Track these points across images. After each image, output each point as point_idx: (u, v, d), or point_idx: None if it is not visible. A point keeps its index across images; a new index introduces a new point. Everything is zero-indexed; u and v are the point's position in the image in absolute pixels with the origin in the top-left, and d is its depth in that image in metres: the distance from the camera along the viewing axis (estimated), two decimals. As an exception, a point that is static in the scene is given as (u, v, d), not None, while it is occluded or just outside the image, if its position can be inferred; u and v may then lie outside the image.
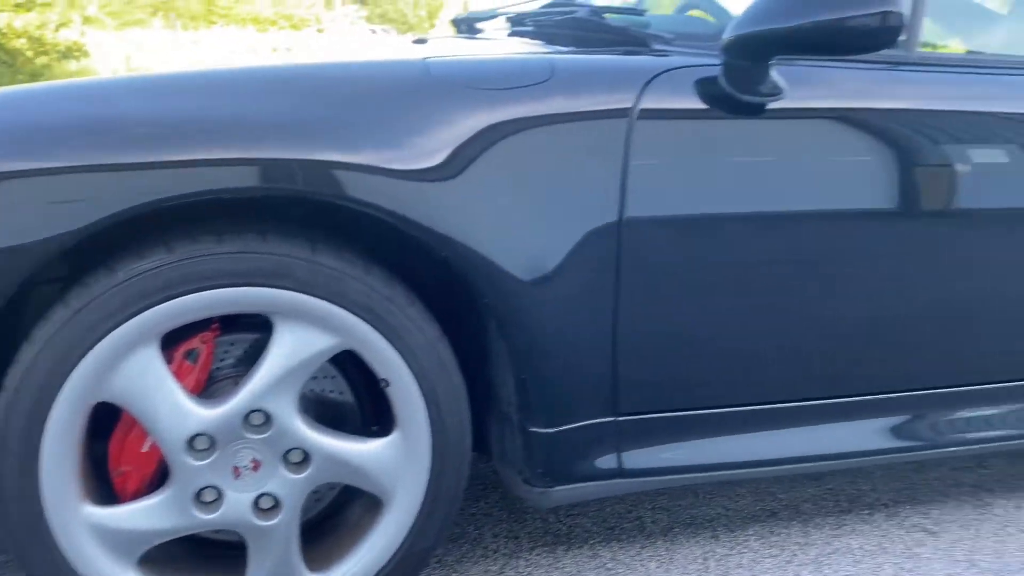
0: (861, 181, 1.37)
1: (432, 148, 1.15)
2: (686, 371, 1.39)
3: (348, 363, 1.28)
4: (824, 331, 1.44)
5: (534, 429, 1.30)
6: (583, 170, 1.24)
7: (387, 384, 1.22)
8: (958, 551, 1.58)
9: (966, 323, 1.53)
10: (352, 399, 1.32)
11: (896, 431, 1.55)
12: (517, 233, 1.20)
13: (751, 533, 1.62)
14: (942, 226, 1.45)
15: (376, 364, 1.21)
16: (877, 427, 1.54)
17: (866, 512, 1.71)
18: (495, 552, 1.54)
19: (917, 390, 1.55)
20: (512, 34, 1.71)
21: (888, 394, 1.54)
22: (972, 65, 1.52)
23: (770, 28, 1.22)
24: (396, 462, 1.24)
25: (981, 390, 1.59)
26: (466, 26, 1.91)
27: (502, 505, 1.69)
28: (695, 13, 1.77)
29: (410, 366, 1.21)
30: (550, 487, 1.33)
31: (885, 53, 1.44)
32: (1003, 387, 1.60)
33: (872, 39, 1.18)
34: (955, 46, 2.60)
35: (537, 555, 1.53)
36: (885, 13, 1.16)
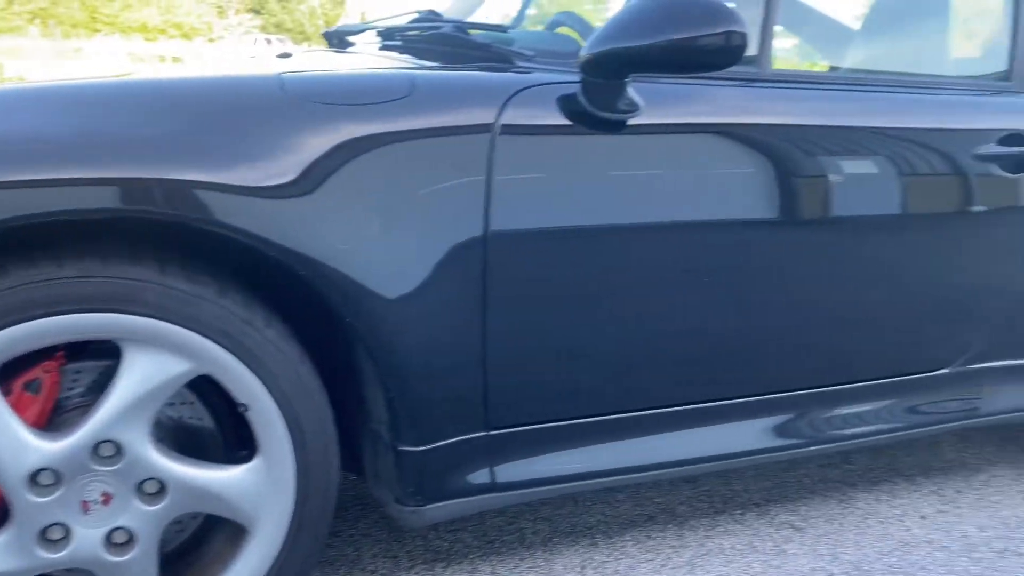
0: (720, 192, 1.41)
1: (286, 165, 1.12)
2: (557, 382, 1.40)
3: (208, 388, 1.24)
4: (692, 338, 1.48)
5: (404, 448, 1.29)
6: (446, 186, 1.24)
7: (246, 409, 1.18)
8: (822, 545, 1.65)
9: (831, 325, 1.60)
10: (213, 425, 1.27)
11: (768, 432, 1.61)
12: (378, 250, 1.19)
13: (628, 539, 1.65)
14: (799, 234, 1.52)
15: (234, 388, 1.17)
16: (749, 429, 1.60)
17: (738, 512, 1.77)
18: (373, 573, 1.52)
19: (787, 391, 1.62)
20: (383, 48, 1.70)
21: (760, 396, 1.59)
22: (822, 82, 1.60)
23: (624, 46, 1.25)
24: (259, 488, 1.21)
25: (849, 389, 1.67)
26: (338, 40, 1.88)
27: (382, 524, 1.67)
28: (563, 30, 1.80)
29: (270, 389, 1.18)
30: (422, 506, 1.32)
31: (740, 71, 1.51)
32: (869, 385, 1.68)
33: (718, 57, 1.23)
34: (820, 62, 2.73)
35: (416, 574, 1.52)
36: (729, 33, 1.21)
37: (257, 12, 34.68)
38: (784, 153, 1.47)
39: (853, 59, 2.07)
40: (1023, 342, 1.74)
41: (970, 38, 1.95)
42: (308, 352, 1.24)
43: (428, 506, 1.32)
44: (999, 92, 1.73)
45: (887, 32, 1.93)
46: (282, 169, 1.12)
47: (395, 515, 1.36)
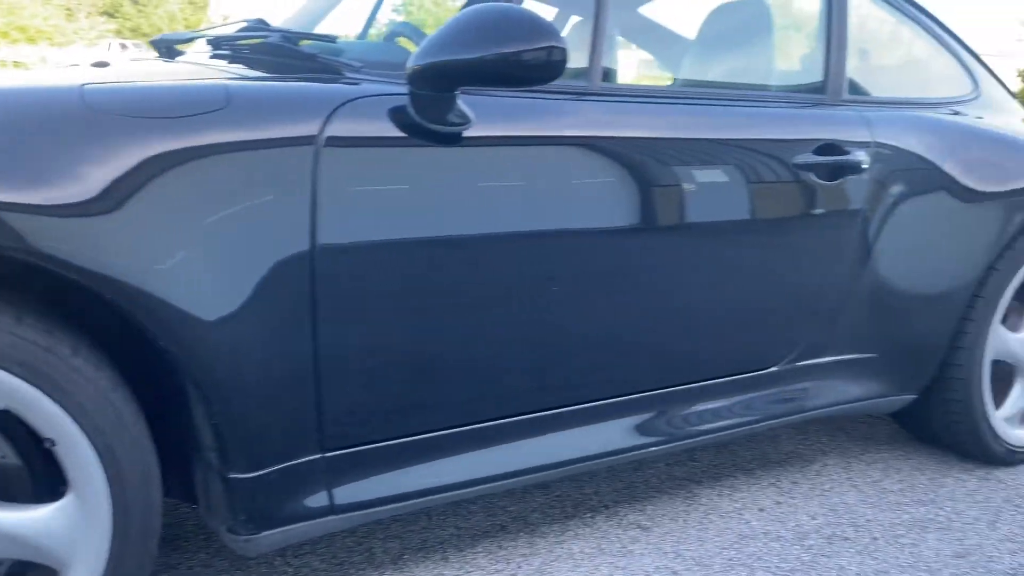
0: (554, 201, 1.43)
1: (85, 182, 1.06)
2: (397, 399, 1.38)
3: (13, 423, 1.15)
4: (534, 346, 1.50)
5: (234, 475, 1.24)
6: (268, 200, 1.20)
7: (53, 444, 1.10)
8: (667, 543, 1.69)
9: (670, 328, 1.65)
10: (19, 462, 1.18)
11: (617, 434, 1.64)
12: (193, 270, 1.14)
13: (480, 550, 1.65)
14: (634, 242, 1.55)
15: (38, 423, 1.09)
16: (598, 432, 1.62)
17: (588, 515, 1.80)
18: (211, 606, 1.45)
19: (633, 394, 1.66)
20: (214, 57, 1.63)
21: (607, 400, 1.63)
22: (650, 95, 1.65)
23: (450, 59, 1.25)
24: (70, 528, 1.13)
25: (690, 389, 1.72)
26: (166, 48, 1.80)
27: (224, 554, 1.60)
28: (402, 41, 1.79)
29: (78, 421, 1.10)
30: (255, 534, 1.27)
31: (570, 84, 1.54)
32: (707, 385, 1.74)
33: (542, 72, 1.25)
34: (663, 74, 2.83)
35: (257, 603, 1.46)
36: (550, 48, 1.23)
37: (111, 15, 32.92)
38: (614, 164, 1.51)
39: (688, 72, 2.15)
40: (844, 339, 1.85)
41: (790, 52, 2.06)
42: (131, 378, 1.18)
43: (262, 534, 1.27)
44: (816, 104, 1.84)
45: (717, 46, 2.02)
46: (81, 186, 1.05)
47: (228, 544, 1.30)
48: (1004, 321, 2.02)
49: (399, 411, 1.40)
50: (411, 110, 1.29)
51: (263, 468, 1.25)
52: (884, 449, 2.18)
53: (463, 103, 1.33)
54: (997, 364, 2.04)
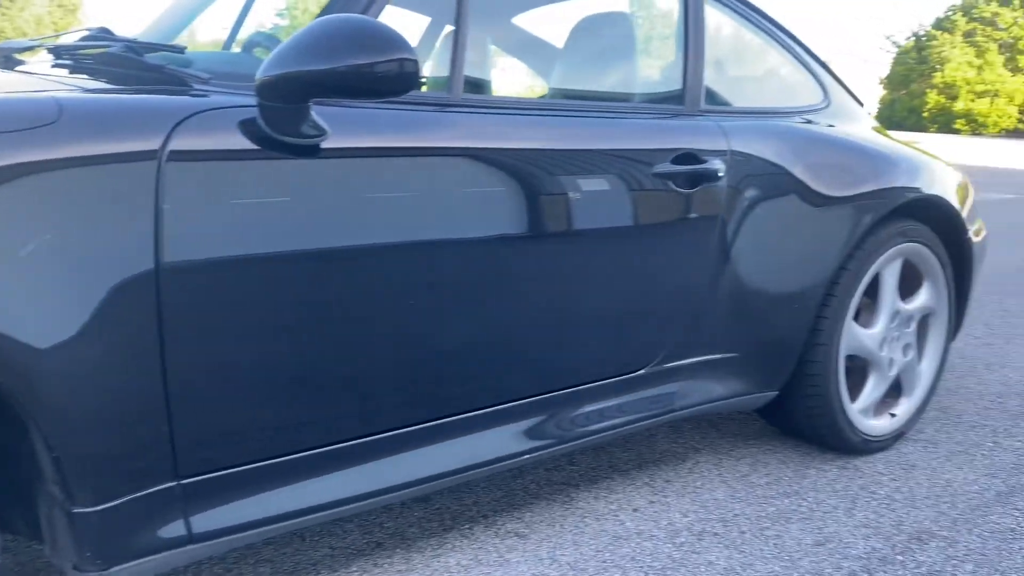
0: (408, 213, 1.42)
1: None
2: (255, 421, 1.34)
3: None
4: (400, 359, 1.48)
5: (79, 509, 1.17)
6: (106, 219, 1.14)
7: None
8: (543, 549, 1.71)
9: (543, 336, 1.67)
10: None
11: (493, 442, 1.65)
12: (21, 295, 1.07)
13: (355, 569, 1.62)
14: (499, 251, 1.56)
15: None
16: (473, 442, 1.62)
17: (467, 527, 1.79)
18: (63, 649, 1.36)
19: (508, 402, 1.66)
20: (55, 67, 1.55)
21: (479, 410, 1.62)
22: (512, 107, 1.66)
23: (301, 71, 1.22)
24: None
25: (565, 394, 1.74)
26: (4, 58, 1.69)
27: (79, 592, 1.51)
28: (260, 53, 1.75)
29: None
30: (105, 570, 1.20)
31: (432, 96, 1.54)
32: (581, 390, 1.77)
33: (394, 84, 1.24)
34: (538, 84, 2.85)
35: (114, 642, 1.38)
36: (402, 60, 1.22)
37: (-30, 18, 30.82)
38: (476, 175, 1.51)
39: (555, 82, 2.19)
40: (707, 340, 1.92)
41: (651, 64, 2.13)
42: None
43: (112, 570, 1.21)
44: (675, 115, 1.90)
45: (582, 57, 2.06)
46: None
47: None
48: (856, 318, 2.14)
49: (260, 432, 1.35)
50: (262, 122, 1.26)
51: (111, 500, 1.19)
52: (753, 444, 2.27)
53: (317, 115, 1.30)
54: (852, 359, 2.16)
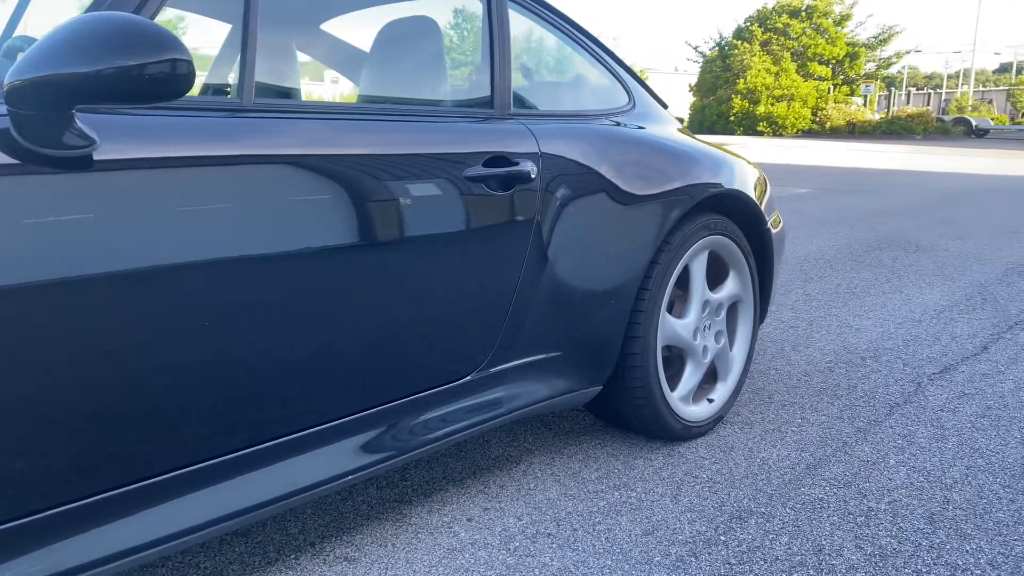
0: (196, 227, 1.31)
1: None
2: (42, 464, 1.20)
3: None
4: (204, 386, 1.37)
5: None
6: None
7: None
8: (375, 571, 1.64)
9: (362, 350, 1.60)
10: None
11: (312, 466, 1.56)
12: None
13: (167, 619, 1.49)
14: (306, 264, 1.48)
15: None
16: (290, 468, 1.53)
17: (292, 557, 1.69)
18: None
19: (330, 421, 1.58)
20: None
21: (300, 432, 1.54)
22: (312, 112, 1.58)
23: (59, 74, 1.10)
24: None
25: (389, 408, 1.68)
26: None
27: None
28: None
29: None
30: None
31: (223, 101, 1.44)
32: (404, 403, 1.71)
33: (166, 86, 1.14)
34: (349, 91, 2.77)
35: None
36: (174, 61, 1.13)
37: None
38: (273, 184, 1.42)
39: (364, 88, 2.12)
40: (530, 342, 1.92)
41: (460, 69, 2.11)
42: None
43: None
44: (485, 119, 1.89)
45: (390, 62, 2.02)
46: None
47: None
48: (670, 310, 2.22)
49: (49, 477, 1.21)
50: (14, 132, 1.12)
51: None
52: (584, 440, 2.31)
53: (85, 123, 1.18)
54: (669, 349, 2.23)
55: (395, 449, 1.70)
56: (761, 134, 21.37)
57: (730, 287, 2.40)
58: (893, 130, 22.41)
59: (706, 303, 2.30)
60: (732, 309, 2.45)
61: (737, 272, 2.41)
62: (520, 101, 1.99)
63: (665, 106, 2.64)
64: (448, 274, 1.73)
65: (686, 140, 2.41)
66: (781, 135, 21.36)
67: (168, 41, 1.12)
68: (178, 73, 1.13)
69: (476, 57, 2.01)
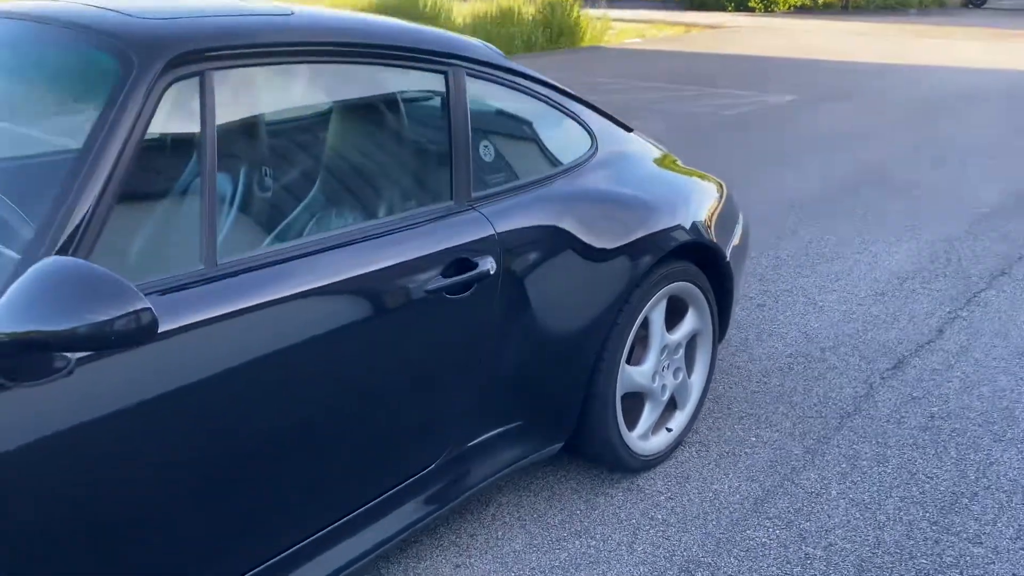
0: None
1: None
2: None
3: None
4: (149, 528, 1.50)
5: None
6: None
7: None
8: (356, 648, 1.83)
9: (333, 464, 1.71)
10: None
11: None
12: None
13: None
14: (266, 390, 1.59)
15: None
16: None
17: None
18: None
19: (301, 541, 1.71)
20: None
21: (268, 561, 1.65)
22: (273, 259, 1.59)
23: (41, 331, 1.16)
24: None
25: (362, 513, 1.81)
26: None
27: None
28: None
29: None
30: None
31: (189, 272, 1.49)
32: (379, 502, 1.84)
33: (135, 337, 1.20)
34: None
35: None
36: (138, 313, 1.19)
37: None
38: (246, 344, 1.51)
39: (316, 221, 2.07)
40: (492, 419, 2.05)
41: (418, 162, 2.10)
42: None
43: None
44: (444, 214, 1.91)
45: (341, 187, 2.02)
46: None
47: None
48: (628, 357, 2.34)
49: None
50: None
51: None
52: (549, 473, 2.46)
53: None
54: (628, 394, 2.37)
55: (371, 545, 1.83)
56: (753, 10, 20.68)
57: (688, 324, 2.51)
58: (888, 5, 21.72)
59: (664, 347, 2.41)
60: (691, 340, 2.57)
61: (696, 309, 2.51)
62: (481, 182, 2.02)
63: (629, 129, 2.66)
64: (410, 377, 1.82)
65: (643, 179, 2.43)
66: (773, 11, 20.70)
67: (127, 292, 1.19)
68: (143, 324, 1.19)
69: (435, 144, 2.03)
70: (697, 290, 2.46)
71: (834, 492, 2.37)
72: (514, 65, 2.20)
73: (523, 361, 2.05)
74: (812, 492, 2.37)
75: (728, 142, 6.89)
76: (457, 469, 2.00)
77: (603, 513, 2.29)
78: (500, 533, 2.21)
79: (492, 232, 1.93)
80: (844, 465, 2.50)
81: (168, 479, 1.43)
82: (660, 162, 2.64)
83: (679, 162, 2.79)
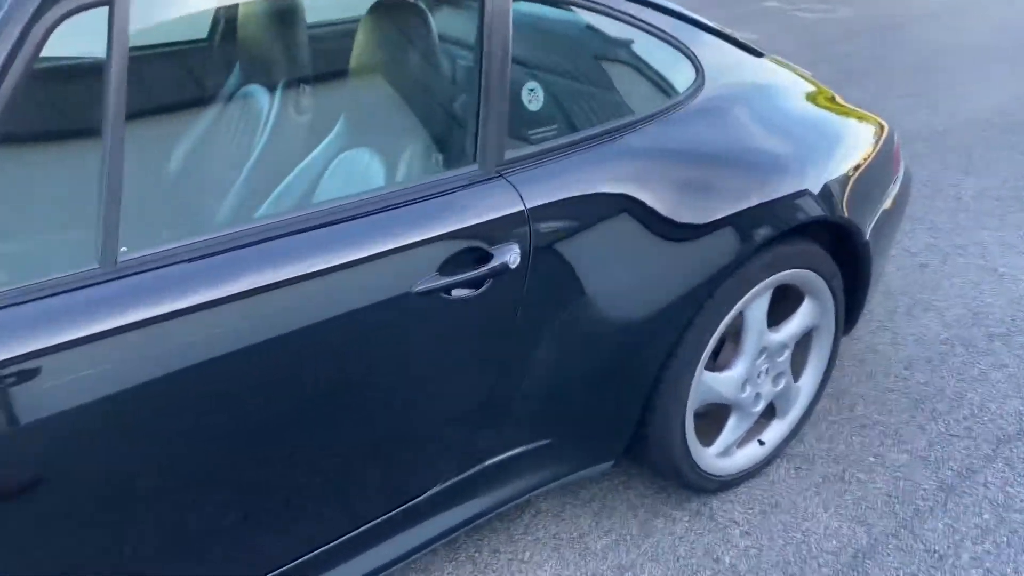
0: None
1: None
2: None
3: None
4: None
5: None
6: None
7: None
8: None
9: (350, 478, 1.42)
10: None
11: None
12: None
13: None
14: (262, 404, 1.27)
15: None
16: None
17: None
18: None
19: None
20: None
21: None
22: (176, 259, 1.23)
23: None
24: None
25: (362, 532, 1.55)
26: None
27: None
28: None
29: None
30: None
31: (83, 274, 1.16)
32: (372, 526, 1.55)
33: None
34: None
35: None
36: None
37: None
38: (161, 353, 1.18)
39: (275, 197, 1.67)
40: (513, 436, 1.65)
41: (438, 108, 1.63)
42: None
43: None
44: (465, 184, 1.45)
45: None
46: None
47: None
48: (712, 359, 1.85)
49: None
50: None
51: None
52: (606, 476, 2.06)
53: None
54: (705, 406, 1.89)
55: (394, 557, 1.57)
56: None
57: (801, 320, 1.96)
58: None
59: (764, 349, 1.89)
60: (803, 337, 2.02)
61: (815, 300, 1.95)
62: (520, 139, 1.54)
63: (759, 54, 2.04)
64: (384, 393, 1.44)
65: (763, 125, 1.84)
66: None
67: None
68: None
69: (459, 86, 1.55)
70: (819, 278, 1.90)
71: (966, 557, 1.84)
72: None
73: (555, 370, 1.61)
74: (936, 552, 1.84)
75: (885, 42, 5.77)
76: (459, 495, 1.63)
77: (657, 545, 1.88)
78: (528, 554, 1.86)
79: (521, 208, 1.47)
80: (988, 516, 1.93)
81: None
82: (796, 99, 2.01)
83: (837, 98, 2.13)
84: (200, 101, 1.98)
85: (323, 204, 1.35)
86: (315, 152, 1.70)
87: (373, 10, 1.69)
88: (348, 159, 1.65)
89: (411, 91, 1.68)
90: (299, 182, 1.66)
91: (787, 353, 1.96)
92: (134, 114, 1.18)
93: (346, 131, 1.76)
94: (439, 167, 1.57)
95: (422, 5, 1.64)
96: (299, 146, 1.76)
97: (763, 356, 1.90)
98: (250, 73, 1.93)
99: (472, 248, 1.42)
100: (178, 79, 2.05)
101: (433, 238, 1.38)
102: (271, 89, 1.84)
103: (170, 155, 1.84)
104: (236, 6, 1.92)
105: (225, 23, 2.04)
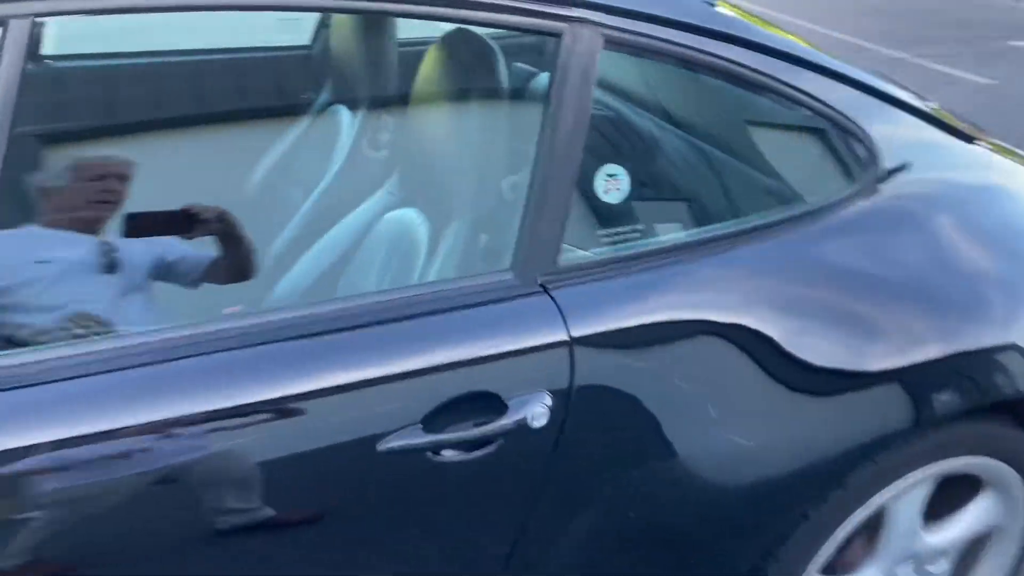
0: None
1: None
2: None
3: None
4: None
5: None
6: None
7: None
8: None
9: None
10: None
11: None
12: None
13: None
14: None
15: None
16: None
17: None
18: None
19: None
20: None
21: None
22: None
23: None
24: None
25: None
26: None
27: None
28: None
29: None
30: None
31: None
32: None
33: None
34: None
35: None
36: None
37: None
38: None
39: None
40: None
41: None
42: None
43: None
44: (497, 299, 1.04)
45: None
46: None
47: None
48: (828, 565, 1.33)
49: None
50: None
51: None
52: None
53: None
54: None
55: None
56: None
57: (975, 519, 1.39)
58: None
59: (911, 557, 1.35)
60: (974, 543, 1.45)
61: (999, 495, 1.38)
62: (588, 238, 1.11)
63: (970, 139, 1.48)
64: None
65: (970, 239, 1.29)
66: None
67: None
68: None
69: (505, 166, 1.15)
70: (1007, 468, 1.33)
71: None
72: (716, 12, 1.19)
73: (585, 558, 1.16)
74: None
75: None
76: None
77: None
78: None
79: (563, 337, 1.04)
80: None
81: None
82: (1018, 206, 1.43)
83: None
84: (291, 111, 1.84)
85: (302, 311, 0.99)
86: (368, 203, 1.46)
87: (443, 42, 1.34)
88: (396, 220, 1.35)
89: (473, 146, 1.31)
90: (345, 233, 1.48)
91: (945, 565, 1.40)
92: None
93: (400, 184, 1.46)
94: (478, 262, 1.19)
95: (492, 44, 1.25)
96: (365, 184, 1.56)
97: (908, 565, 1.36)
98: (340, 90, 1.80)
99: (478, 394, 1.01)
100: (276, 85, 1.96)
101: (415, 371, 0.98)
102: (354, 112, 1.71)
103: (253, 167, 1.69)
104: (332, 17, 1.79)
105: (325, 31, 1.88)
